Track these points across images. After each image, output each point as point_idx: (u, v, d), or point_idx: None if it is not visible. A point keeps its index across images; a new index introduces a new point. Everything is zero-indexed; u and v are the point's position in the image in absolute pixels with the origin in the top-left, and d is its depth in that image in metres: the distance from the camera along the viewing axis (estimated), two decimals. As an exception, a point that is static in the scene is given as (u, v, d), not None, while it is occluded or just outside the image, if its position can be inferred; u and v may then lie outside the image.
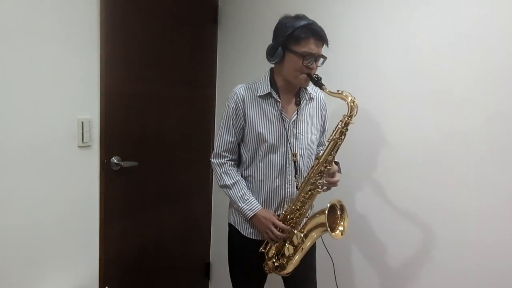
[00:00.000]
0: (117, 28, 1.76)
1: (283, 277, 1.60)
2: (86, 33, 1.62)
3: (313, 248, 1.60)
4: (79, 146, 1.63)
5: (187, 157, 2.25)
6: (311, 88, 1.58)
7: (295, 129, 1.52)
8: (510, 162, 1.54)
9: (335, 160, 1.50)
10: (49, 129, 1.51)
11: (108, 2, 1.69)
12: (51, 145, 1.53)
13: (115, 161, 1.80)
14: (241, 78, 2.26)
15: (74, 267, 1.66)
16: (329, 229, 1.39)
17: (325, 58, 1.47)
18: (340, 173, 1.56)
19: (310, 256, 1.58)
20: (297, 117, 1.53)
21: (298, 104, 1.55)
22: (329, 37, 1.44)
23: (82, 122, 1.63)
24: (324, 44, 1.45)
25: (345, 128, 1.40)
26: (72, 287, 1.66)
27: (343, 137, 1.41)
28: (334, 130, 1.42)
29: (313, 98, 1.59)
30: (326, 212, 1.40)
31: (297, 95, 1.56)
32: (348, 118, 1.39)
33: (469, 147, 1.61)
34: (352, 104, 1.38)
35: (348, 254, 1.97)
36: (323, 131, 1.68)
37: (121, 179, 1.85)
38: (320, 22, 1.46)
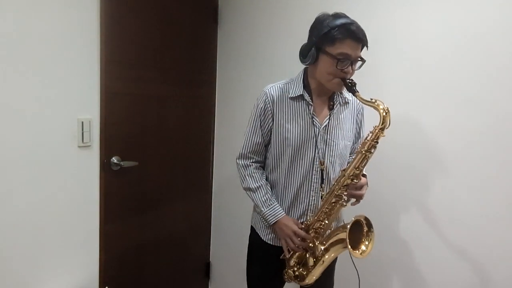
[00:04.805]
0: (117, 28, 1.76)
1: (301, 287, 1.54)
2: (86, 33, 1.62)
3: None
4: (79, 146, 1.63)
5: (187, 157, 2.25)
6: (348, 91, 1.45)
7: (326, 135, 1.43)
8: (510, 162, 1.54)
9: (363, 172, 1.39)
10: (49, 129, 1.51)
11: (108, 2, 1.69)
12: (51, 145, 1.53)
13: (115, 161, 1.80)
14: (241, 78, 2.27)
15: (74, 267, 1.66)
16: (350, 247, 1.27)
17: (363, 61, 1.35)
18: (367, 186, 1.45)
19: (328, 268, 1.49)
20: (328, 122, 1.44)
21: (331, 108, 1.46)
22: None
23: (82, 122, 1.63)
24: (363, 47, 1.34)
25: (375, 141, 1.29)
26: (72, 287, 1.66)
27: (373, 150, 1.29)
28: (363, 142, 1.31)
29: (348, 102, 1.49)
30: (349, 227, 1.28)
31: (330, 98, 1.47)
32: (379, 131, 1.28)
33: (469, 147, 1.62)
34: (384, 114, 1.27)
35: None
36: (358, 137, 1.56)
37: (121, 179, 1.85)
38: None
